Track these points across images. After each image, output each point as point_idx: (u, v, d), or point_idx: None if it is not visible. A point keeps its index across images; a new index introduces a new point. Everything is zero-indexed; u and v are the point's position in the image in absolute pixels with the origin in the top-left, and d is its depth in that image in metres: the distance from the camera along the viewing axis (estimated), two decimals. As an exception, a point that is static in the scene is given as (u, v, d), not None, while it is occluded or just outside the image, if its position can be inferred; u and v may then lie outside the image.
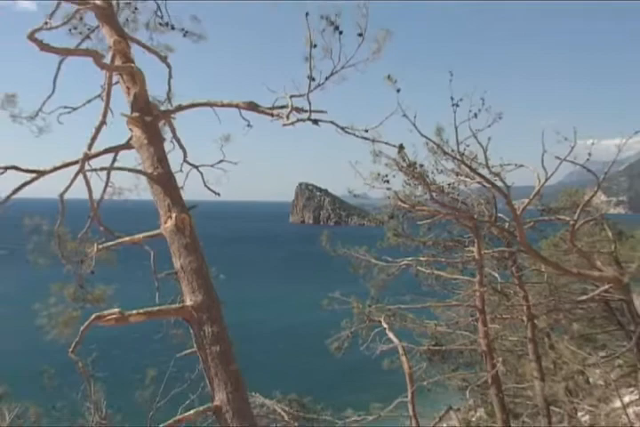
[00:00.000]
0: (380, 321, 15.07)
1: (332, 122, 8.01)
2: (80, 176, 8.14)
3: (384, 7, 62.06)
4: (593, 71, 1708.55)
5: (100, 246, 8.18)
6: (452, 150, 12.09)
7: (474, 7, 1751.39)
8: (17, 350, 41.34)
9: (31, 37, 7.70)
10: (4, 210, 7.99)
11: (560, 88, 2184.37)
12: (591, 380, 19.82)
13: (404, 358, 12.51)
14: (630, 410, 20.52)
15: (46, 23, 8.24)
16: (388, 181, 12.93)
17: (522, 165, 12.57)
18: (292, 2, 11.30)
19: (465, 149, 11.99)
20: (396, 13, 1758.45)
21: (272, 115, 8.07)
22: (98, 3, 8.87)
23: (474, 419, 18.68)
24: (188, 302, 7.56)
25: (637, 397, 20.28)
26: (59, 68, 8.89)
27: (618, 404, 20.20)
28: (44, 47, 7.89)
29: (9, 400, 12.52)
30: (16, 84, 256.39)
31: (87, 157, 8.14)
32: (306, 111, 7.87)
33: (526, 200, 13.16)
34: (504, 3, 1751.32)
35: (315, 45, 7.58)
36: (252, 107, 8.27)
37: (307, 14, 7.51)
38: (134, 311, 7.38)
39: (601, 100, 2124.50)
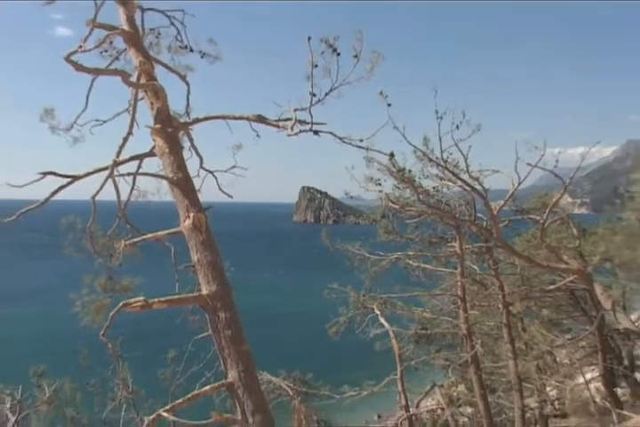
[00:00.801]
0: (373, 308, 15.05)
1: (330, 133, 8.00)
2: (109, 180, 8.13)
3: (378, 32, 61.82)
4: (560, 89, 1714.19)
5: (127, 242, 8.16)
6: (437, 158, 12.08)
7: (458, 35, 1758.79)
8: (55, 333, 41.37)
9: (67, 59, 7.69)
10: (42, 210, 7.99)
11: (532, 104, 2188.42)
12: (558, 359, 19.83)
13: (393, 341, 12.49)
14: (592, 386, 20.52)
15: (80, 47, 8.21)
16: (380, 185, 12.93)
17: (498, 171, 12.57)
18: (297, 26, 11.31)
19: (448, 157, 11.99)
20: (391, 38, 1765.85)
21: (278, 126, 8.05)
22: (125, 29, 8.87)
23: (455, 394, 18.67)
24: (204, 292, 7.55)
25: (598, 374, 20.25)
26: (91, 86, 8.88)
27: (581, 380, 20.20)
28: (79, 68, 7.89)
29: (49, 377, 12.51)
30: (54, 100, 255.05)
31: (116, 164, 8.12)
32: (308, 123, 7.86)
33: (502, 202, 13.14)
34: (484, 31, 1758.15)
35: (316, 65, 7.57)
36: (261, 119, 8.26)
37: (309, 38, 7.51)
38: (157, 299, 7.37)
39: (567, 114, 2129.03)
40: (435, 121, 10.79)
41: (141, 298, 7.24)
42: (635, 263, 18.11)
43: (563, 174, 13.63)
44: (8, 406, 11.72)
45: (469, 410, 19.42)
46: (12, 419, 11.45)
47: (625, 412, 11.49)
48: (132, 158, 8.40)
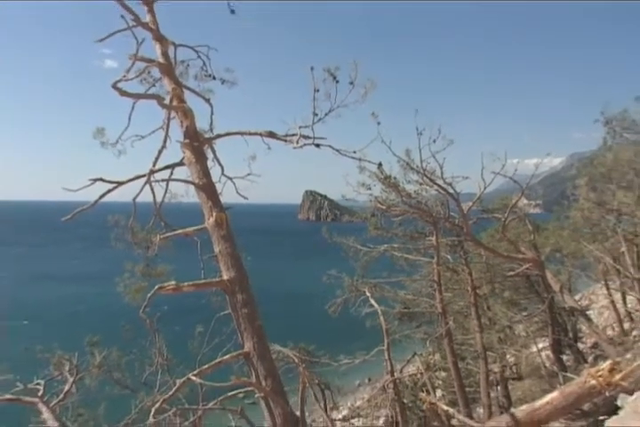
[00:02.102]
0: (364, 291, 14.95)
1: (329, 146, 7.94)
2: (147, 185, 8.11)
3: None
4: (521, 110, 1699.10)
5: (161, 236, 8.12)
6: (417, 166, 12.04)
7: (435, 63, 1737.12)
8: (106, 309, 41.36)
9: (114, 86, 7.66)
10: (93, 210, 7.95)
11: (495, 122, 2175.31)
12: (516, 332, 19.75)
13: (381, 318, 12.39)
14: (543, 354, 20.47)
15: (124, 76, 8.19)
16: (370, 189, 12.88)
17: (467, 177, 12.52)
18: (303, 58, 11.23)
19: (426, 166, 11.95)
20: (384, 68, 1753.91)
21: (286, 140, 8.00)
22: (161, 61, 8.82)
23: (432, 361, 18.58)
24: (225, 277, 7.49)
25: (548, 344, 20.17)
26: (132, 108, 8.82)
27: (534, 349, 20.14)
28: (123, 93, 7.86)
29: (99, 346, 12.47)
30: (104, 121, 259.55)
31: (152, 172, 8.09)
32: (310, 138, 7.81)
33: (470, 203, 13.08)
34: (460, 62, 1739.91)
35: (317, 90, 7.52)
36: (271, 135, 8.21)
37: (312, 68, 7.47)
38: (186, 283, 7.32)
39: (525, 131, 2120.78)
40: (416, 136, 10.77)
41: (173, 282, 7.18)
42: (579, 253, 18.08)
43: (520, 181, 13.59)
44: (67, 368, 11.77)
45: (443, 374, 19.34)
46: (71, 379, 11.54)
47: (569, 374, 11.44)
48: (166, 167, 8.37)
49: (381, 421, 16.11)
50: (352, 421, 17.47)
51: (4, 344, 14.18)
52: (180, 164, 8.33)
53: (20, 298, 54.20)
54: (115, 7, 8.25)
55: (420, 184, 12.74)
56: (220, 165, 9.07)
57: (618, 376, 7.73)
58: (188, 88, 9.15)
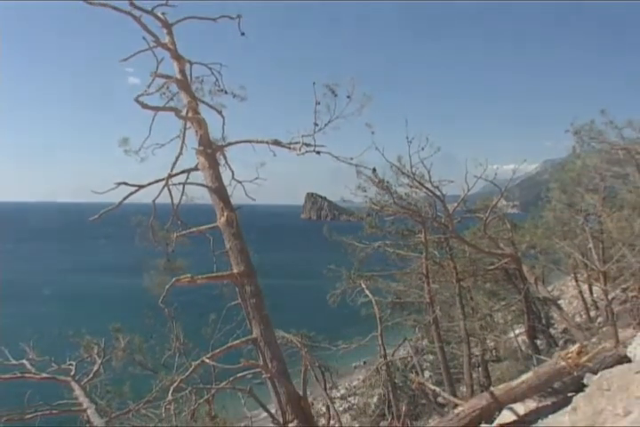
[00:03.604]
0: (360, 283, 14.93)
1: (329, 153, 7.91)
2: (166, 188, 8.09)
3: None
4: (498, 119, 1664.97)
5: (178, 234, 8.10)
6: (408, 171, 12.00)
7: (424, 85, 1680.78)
8: (130, 300, 41.29)
9: (136, 100, 7.66)
10: (118, 210, 7.94)
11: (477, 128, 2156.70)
12: (495, 320, 19.69)
13: (375, 308, 12.36)
14: (519, 338, 20.43)
15: (145, 91, 8.18)
16: (365, 191, 12.86)
17: (452, 181, 12.49)
18: (309, 74, 11.18)
19: (416, 171, 11.93)
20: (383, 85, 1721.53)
21: (289, 148, 7.97)
22: (178, 77, 8.80)
23: (421, 346, 18.56)
24: (235, 270, 7.46)
25: (524, 330, 20.11)
26: (153, 119, 8.79)
27: (511, 335, 20.11)
28: (145, 106, 7.86)
29: (123, 332, 12.47)
30: (128, 131, 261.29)
31: (170, 176, 8.07)
32: (312, 146, 7.78)
33: (456, 204, 13.04)
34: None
35: (318, 103, 7.49)
36: (277, 143, 8.17)
37: (314, 83, 7.45)
38: (200, 276, 7.30)
39: (505, 138, 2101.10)
40: (406, 143, 10.75)
41: (189, 275, 7.15)
42: (551, 249, 18.03)
43: (500, 184, 13.56)
44: (95, 351, 11.84)
45: (431, 357, 19.29)
46: (99, 361, 11.65)
47: (542, 357, 11.44)
48: (182, 172, 8.35)
49: (375, 399, 16.08)
50: (349, 399, 17.42)
51: (40, 329, 14.22)
52: (195, 169, 8.30)
53: (53, 287, 54.20)
54: (138, 31, 8.25)
55: (411, 187, 12.71)
56: (230, 169, 9.04)
57: (584, 358, 7.75)
58: (203, 101, 9.12)
